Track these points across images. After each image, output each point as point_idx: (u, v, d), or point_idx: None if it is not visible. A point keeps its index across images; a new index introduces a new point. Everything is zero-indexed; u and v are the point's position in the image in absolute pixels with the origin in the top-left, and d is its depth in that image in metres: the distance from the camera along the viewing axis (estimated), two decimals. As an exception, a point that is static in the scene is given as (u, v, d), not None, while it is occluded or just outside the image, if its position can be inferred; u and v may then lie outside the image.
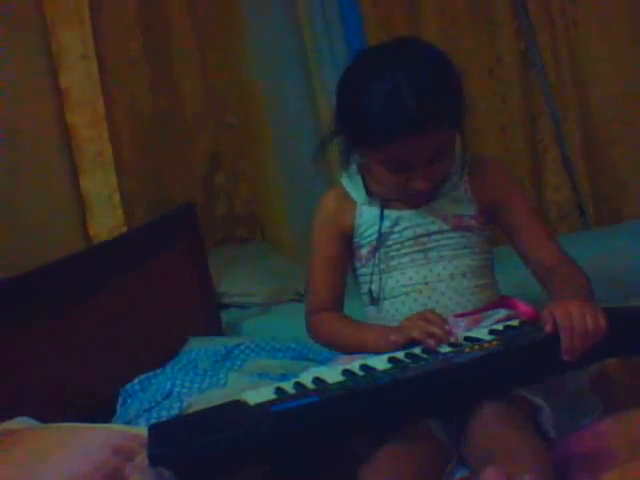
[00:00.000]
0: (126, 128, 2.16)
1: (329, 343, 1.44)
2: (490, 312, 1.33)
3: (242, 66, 2.68)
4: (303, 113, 2.65)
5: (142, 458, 1.07)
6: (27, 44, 1.93)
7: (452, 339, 1.18)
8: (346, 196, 1.42)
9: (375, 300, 1.39)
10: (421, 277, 1.36)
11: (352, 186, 1.42)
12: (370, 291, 1.39)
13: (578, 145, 2.70)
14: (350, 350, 1.35)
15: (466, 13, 2.67)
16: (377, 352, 1.23)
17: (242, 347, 1.82)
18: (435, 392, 1.07)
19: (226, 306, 2.40)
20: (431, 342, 1.17)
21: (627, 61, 2.63)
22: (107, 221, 1.99)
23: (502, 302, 1.40)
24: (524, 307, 1.37)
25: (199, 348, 1.84)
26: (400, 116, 1.18)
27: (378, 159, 1.28)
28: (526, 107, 2.72)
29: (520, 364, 1.11)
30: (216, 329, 2.18)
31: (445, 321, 1.22)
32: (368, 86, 1.22)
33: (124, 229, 2.00)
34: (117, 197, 2.00)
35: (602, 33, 2.63)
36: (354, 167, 1.43)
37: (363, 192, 1.40)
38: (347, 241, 1.43)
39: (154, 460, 1.02)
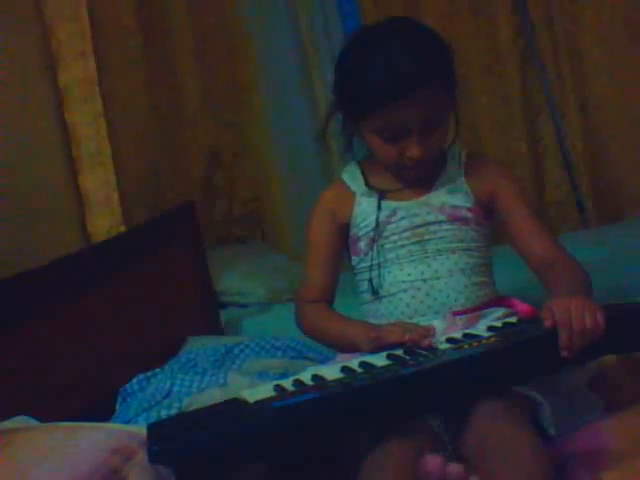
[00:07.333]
0: (125, 126, 2.16)
1: (313, 334, 1.44)
2: (489, 310, 1.33)
3: (241, 65, 2.67)
4: (303, 112, 2.65)
5: (141, 457, 1.07)
6: (26, 42, 1.92)
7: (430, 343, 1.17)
8: (345, 188, 1.45)
9: (376, 293, 1.38)
10: (419, 273, 1.36)
11: (351, 178, 1.45)
12: (371, 284, 1.39)
13: (578, 143, 2.70)
14: (331, 343, 1.39)
15: (466, 12, 2.67)
16: (358, 349, 1.25)
17: (242, 346, 1.81)
18: (434, 388, 1.07)
19: (225, 305, 2.39)
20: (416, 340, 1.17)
21: (627, 59, 2.63)
22: (106, 220, 1.98)
23: (501, 301, 1.39)
24: (523, 306, 1.37)
25: (199, 347, 1.84)
26: (393, 79, 1.25)
27: (374, 128, 1.32)
28: (526, 105, 2.71)
29: (518, 360, 1.11)
30: (216, 328, 2.18)
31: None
32: (364, 55, 1.30)
33: (123, 228, 2.00)
34: (116, 196, 2.00)
35: (601, 31, 2.63)
36: (353, 161, 1.46)
37: (362, 184, 1.43)
38: (344, 233, 1.44)
39: (153, 457, 1.01)
